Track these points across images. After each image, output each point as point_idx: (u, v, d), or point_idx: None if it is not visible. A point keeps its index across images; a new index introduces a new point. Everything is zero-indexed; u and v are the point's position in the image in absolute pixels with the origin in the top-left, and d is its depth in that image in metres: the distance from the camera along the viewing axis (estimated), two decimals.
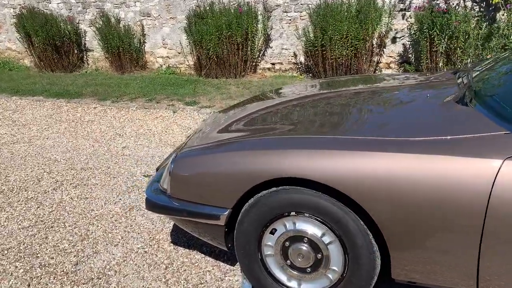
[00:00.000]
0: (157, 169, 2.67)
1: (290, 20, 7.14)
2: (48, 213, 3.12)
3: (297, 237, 1.99)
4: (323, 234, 1.94)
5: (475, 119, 1.81)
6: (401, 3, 6.53)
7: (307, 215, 1.93)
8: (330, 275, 2.00)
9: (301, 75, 7.18)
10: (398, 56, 6.79)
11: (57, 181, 3.63)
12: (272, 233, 2.04)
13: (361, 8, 6.27)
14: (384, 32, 6.53)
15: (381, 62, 6.83)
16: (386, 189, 1.72)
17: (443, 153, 1.67)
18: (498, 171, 1.56)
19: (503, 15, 6.04)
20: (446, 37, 5.87)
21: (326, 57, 6.46)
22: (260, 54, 7.39)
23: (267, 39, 7.29)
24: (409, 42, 6.68)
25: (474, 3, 6.23)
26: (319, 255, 1.98)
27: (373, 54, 6.63)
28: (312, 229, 1.95)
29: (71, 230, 2.90)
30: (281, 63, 7.39)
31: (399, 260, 1.81)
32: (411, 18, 6.57)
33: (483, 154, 1.61)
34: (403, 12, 6.58)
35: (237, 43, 6.93)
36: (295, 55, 7.26)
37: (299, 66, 7.29)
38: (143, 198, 3.26)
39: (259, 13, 7.04)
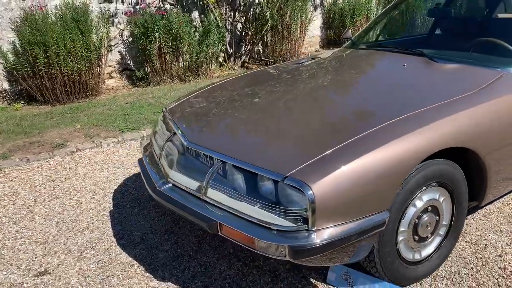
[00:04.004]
0: None
1: None
2: None
3: (423, 211, 2.11)
4: (439, 196, 2.15)
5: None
6: (108, 10, 6.29)
7: (434, 184, 2.09)
8: (441, 231, 2.25)
9: (10, 104, 5.79)
10: (117, 64, 6.57)
11: None
12: (402, 218, 2.05)
13: (80, 18, 5.65)
14: (100, 41, 6.13)
15: (103, 73, 6.40)
16: (489, 131, 2.15)
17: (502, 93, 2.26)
18: None
19: (201, 15, 6.92)
20: (171, 37, 6.19)
21: (55, 76, 5.51)
22: None
23: None
24: (125, 49, 6.58)
25: (172, 6, 6.77)
26: (437, 217, 2.18)
27: (93, 65, 6.14)
28: (434, 195, 2.13)
29: None
30: None
31: (494, 188, 2.28)
32: (120, 24, 6.47)
33: None
34: (112, 19, 6.38)
35: None
36: None
37: (4, 94, 5.84)
38: None
39: None
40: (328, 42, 8.54)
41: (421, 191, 2.05)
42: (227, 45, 7.16)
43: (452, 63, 2.60)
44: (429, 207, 2.13)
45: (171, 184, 2.27)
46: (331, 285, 2.23)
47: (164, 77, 6.43)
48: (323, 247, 1.76)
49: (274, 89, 2.76)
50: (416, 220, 2.10)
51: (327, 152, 1.88)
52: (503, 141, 2.23)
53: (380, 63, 2.94)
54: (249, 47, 7.46)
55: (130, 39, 6.52)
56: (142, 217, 2.96)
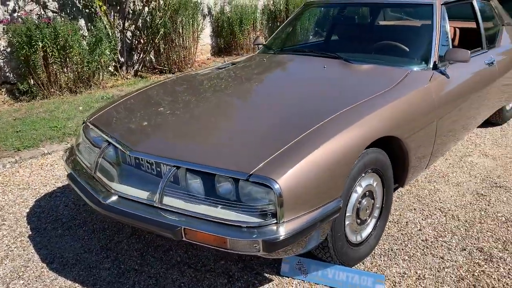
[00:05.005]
0: None
1: None
2: None
3: (362, 196, 2.32)
4: (373, 181, 2.39)
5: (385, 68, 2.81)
6: None
7: (370, 171, 2.31)
8: (376, 213, 2.49)
9: None
10: None
11: None
12: (347, 204, 2.24)
13: None
14: None
15: None
16: (407, 120, 2.45)
17: (412, 88, 2.60)
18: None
19: (89, 23, 6.55)
20: (58, 47, 5.76)
21: None
22: None
23: None
24: (2, 60, 5.94)
25: (54, 14, 6.32)
26: (373, 201, 2.41)
27: None
28: (369, 181, 2.35)
29: None
30: None
31: (413, 170, 2.59)
32: None
33: (422, 80, 2.67)
34: None
35: None
36: None
37: None
38: None
39: None
40: (219, 50, 8.70)
41: (360, 178, 2.26)
42: (119, 54, 6.88)
43: (366, 64, 2.89)
44: (367, 192, 2.35)
45: (117, 197, 2.16)
46: (285, 277, 2.32)
47: (52, 90, 5.95)
48: (293, 237, 1.84)
49: (208, 93, 2.77)
50: (358, 204, 2.30)
51: (284, 148, 1.97)
52: (416, 128, 2.55)
53: (303, 65, 3.13)
54: (141, 55, 7.26)
55: (9, 49, 5.91)
56: (70, 237, 2.74)
